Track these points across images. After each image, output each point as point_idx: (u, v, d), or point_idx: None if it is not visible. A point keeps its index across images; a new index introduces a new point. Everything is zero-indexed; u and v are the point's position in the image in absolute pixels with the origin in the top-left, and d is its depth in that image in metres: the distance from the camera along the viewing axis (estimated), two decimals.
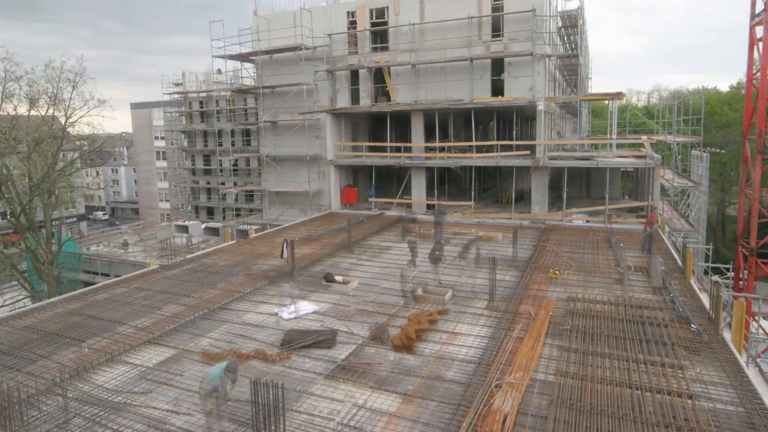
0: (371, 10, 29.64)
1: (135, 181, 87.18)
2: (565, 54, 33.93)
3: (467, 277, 16.03)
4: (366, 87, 30.21)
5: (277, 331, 11.96)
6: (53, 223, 33.58)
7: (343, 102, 31.05)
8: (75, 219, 65.35)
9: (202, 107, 48.28)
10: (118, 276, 19.41)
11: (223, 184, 45.41)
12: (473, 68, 26.88)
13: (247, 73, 36.03)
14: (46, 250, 30.94)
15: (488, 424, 7.70)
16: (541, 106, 25.52)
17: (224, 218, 43.91)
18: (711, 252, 24.36)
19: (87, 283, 28.93)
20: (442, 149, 28.08)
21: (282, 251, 17.77)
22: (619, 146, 30.26)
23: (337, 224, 24.99)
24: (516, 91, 26.22)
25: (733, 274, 24.73)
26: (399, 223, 24.54)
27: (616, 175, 30.84)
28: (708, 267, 22.68)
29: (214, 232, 40.56)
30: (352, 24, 30.42)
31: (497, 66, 27.08)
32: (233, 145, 44.39)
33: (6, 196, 29.74)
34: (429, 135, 29.89)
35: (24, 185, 30.92)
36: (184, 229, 42.17)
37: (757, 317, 18.63)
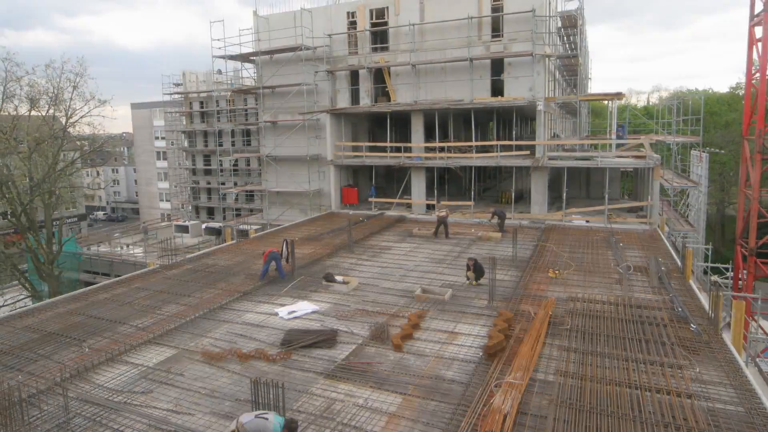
0: (371, 11, 29.66)
1: (135, 181, 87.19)
2: (565, 54, 33.95)
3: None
4: (366, 87, 30.24)
5: (277, 330, 11.99)
6: (54, 223, 33.61)
7: (343, 102, 31.08)
8: (75, 219, 65.44)
9: (202, 107, 48.32)
10: (119, 276, 19.43)
11: (223, 184, 45.44)
12: (473, 68, 26.90)
13: (248, 74, 36.08)
14: (46, 250, 30.98)
15: (488, 424, 7.72)
16: (540, 106, 25.55)
17: (224, 218, 43.93)
18: (710, 252, 24.40)
19: (87, 283, 28.97)
20: (441, 149, 28.11)
21: (281, 251, 17.75)
22: (618, 146, 30.26)
23: (337, 224, 25.02)
24: (516, 92, 26.25)
25: (732, 274, 24.79)
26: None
27: (615, 175, 30.89)
28: (707, 267, 22.72)
29: (215, 232, 40.63)
30: (352, 24, 30.45)
31: (497, 66, 27.11)
32: (233, 145, 44.43)
33: (7, 196, 29.77)
34: (429, 135, 29.92)
35: (25, 185, 30.94)
36: (185, 229, 42.24)
37: (756, 317, 18.67)
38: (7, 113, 30.60)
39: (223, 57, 32.84)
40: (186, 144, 50.51)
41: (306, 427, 8.02)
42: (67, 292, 20.15)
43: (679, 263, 16.81)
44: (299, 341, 11.05)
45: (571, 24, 30.91)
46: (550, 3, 27.55)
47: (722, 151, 45.93)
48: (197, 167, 50.32)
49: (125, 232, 48.85)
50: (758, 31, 24.69)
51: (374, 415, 8.35)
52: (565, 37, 34.82)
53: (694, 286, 14.66)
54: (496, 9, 26.81)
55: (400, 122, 32.66)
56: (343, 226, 23.17)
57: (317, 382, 9.47)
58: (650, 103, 77.89)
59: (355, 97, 31.15)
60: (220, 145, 44.80)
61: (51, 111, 31.97)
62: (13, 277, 31.83)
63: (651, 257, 16.59)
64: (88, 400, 9.05)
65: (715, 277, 12.50)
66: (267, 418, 6.94)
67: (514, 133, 29.64)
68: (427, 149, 28.90)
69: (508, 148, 27.79)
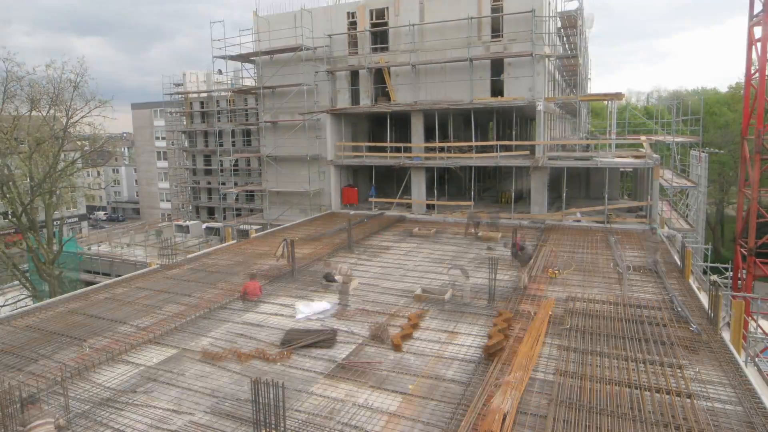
0: (371, 11, 29.68)
1: (136, 181, 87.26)
2: (565, 54, 33.96)
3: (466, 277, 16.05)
4: (366, 87, 30.26)
5: (277, 330, 12.01)
6: (54, 223, 33.63)
7: (344, 102, 31.10)
8: (76, 219, 65.47)
9: (202, 107, 48.34)
10: (119, 276, 19.46)
11: (223, 184, 45.43)
12: (473, 68, 26.93)
13: (248, 74, 36.08)
14: (47, 250, 31.00)
15: (488, 423, 7.74)
16: (540, 107, 25.56)
17: (225, 218, 43.95)
18: (710, 252, 24.40)
19: (88, 283, 28.99)
20: (441, 149, 28.13)
21: (282, 251, 17.74)
22: (618, 146, 30.28)
23: (338, 224, 25.04)
24: (515, 92, 26.28)
25: (731, 273, 24.79)
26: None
27: (615, 175, 30.89)
28: (707, 267, 22.71)
29: (215, 231, 40.64)
30: (353, 25, 30.47)
31: (497, 66, 27.13)
32: (234, 145, 44.43)
33: (7, 196, 29.78)
34: (429, 135, 29.94)
35: (25, 185, 30.93)
36: (185, 229, 42.26)
37: (755, 316, 18.69)
38: (7, 113, 30.60)
39: (223, 57, 32.86)
40: (186, 144, 50.53)
41: (306, 427, 8.05)
42: (67, 291, 20.18)
43: (679, 263, 16.84)
44: (299, 341, 11.07)
45: (571, 24, 30.91)
46: (549, 3, 27.57)
47: (722, 151, 45.94)
48: (197, 167, 50.34)
49: (125, 233, 48.84)
50: (757, 32, 24.72)
51: (374, 414, 8.37)
52: (564, 38, 34.82)
53: (694, 286, 14.69)
54: (496, 9, 26.83)
55: (400, 122, 32.68)
56: (343, 226, 23.19)
57: (317, 382, 9.49)
58: (650, 103, 77.97)
59: (355, 98, 31.17)
60: (221, 145, 44.81)
61: (51, 111, 31.98)
62: (14, 277, 31.85)
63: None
64: (88, 399, 9.07)
65: (714, 277, 12.51)
66: None
67: (513, 133, 29.65)
68: (427, 149, 28.92)
69: (508, 148, 27.80)
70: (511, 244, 16.08)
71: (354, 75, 30.92)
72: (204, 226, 44.60)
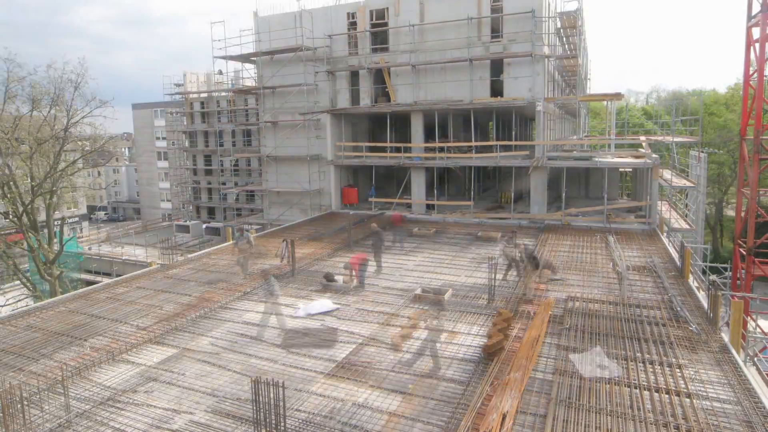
0: (371, 11, 29.70)
1: (136, 181, 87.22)
2: (564, 55, 33.97)
3: (466, 277, 16.10)
4: (366, 87, 30.28)
5: (277, 330, 12.04)
6: (55, 223, 33.66)
7: (344, 102, 31.13)
8: (77, 219, 65.49)
9: (203, 108, 48.37)
10: (120, 275, 19.48)
11: (224, 184, 45.49)
12: (473, 69, 26.95)
13: (248, 74, 36.10)
14: (47, 250, 31.03)
15: (487, 423, 7.77)
16: (540, 107, 25.59)
17: (225, 218, 43.99)
18: (709, 251, 24.45)
19: (89, 283, 29.05)
20: (441, 149, 28.15)
21: (282, 252, 17.78)
22: (617, 146, 30.31)
23: (338, 224, 25.08)
24: (515, 92, 26.30)
25: (730, 273, 24.81)
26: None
27: (614, 176, 30.90)
28: (706, 266, 22.75)
29: (214, 231, 40.70)
30: (353, 25, 30.49)
31: (497, 66, 27.15)
32: (234, 145, 44.47)
33: (8, 196, 29.83)
34: (429, 135, 29.96)
35: (26, 185, 30.97)
36: (186, 228, 42.32)
37: (754, 316, 18.72)
38: (8, 113, 30.65)
39: (223, 57, 32.90)
40: (187, 144, 50.55)
41: (306, 426, 8.08)
42: (68, 291, 20.21)
43: (678, 262, 16.87)
44: (299, 341, 11.10)
45: (571, 25, 30.93)
46: (549, 4, 27.60)
47: (720, 152, 45.96)
48: (198, 167, 50.36)
49: (125, 234, 48.91)
50: (755, 32, 24.74)
51: (374, 414, 8.40)
52: (564, 38, 34.83)
53: (693, 286, 14.71)
54: (496, 9, 26.84)
55: (400, 122, 32.70)
56: (343, 226, 23.22)
57: (317, 381, 9.52)
58: (649, 104, 77.99)
59: (355, 98, 31.20)
60: (221, 145, 44.86)
61: (52, 111, 32.02)
62: (15, 277, 31.90)
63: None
64: (89, 399, 9.10)
65: (713, 277, 12.54)
66: None
67: (513, 133, 29.67)
68: (427, 149, 28.95)
69: (508, 148, 27.82)
70: (521, 250, 15.74)
71: (354, 75, 30.94)
72: (204, 226, 44.67)
